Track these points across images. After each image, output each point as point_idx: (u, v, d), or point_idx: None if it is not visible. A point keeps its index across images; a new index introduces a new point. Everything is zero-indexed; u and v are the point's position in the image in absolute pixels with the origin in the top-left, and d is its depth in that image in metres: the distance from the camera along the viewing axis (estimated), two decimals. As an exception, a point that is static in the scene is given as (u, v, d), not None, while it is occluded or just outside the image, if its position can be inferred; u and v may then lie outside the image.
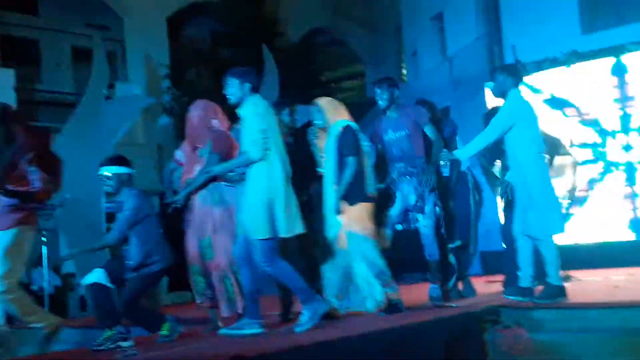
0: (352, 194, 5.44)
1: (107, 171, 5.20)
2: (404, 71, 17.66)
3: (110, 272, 5.05)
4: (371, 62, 18.90)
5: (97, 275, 4.99)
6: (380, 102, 5.99)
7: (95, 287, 4.96)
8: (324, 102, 5.71)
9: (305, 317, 4.89)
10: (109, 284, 4.99)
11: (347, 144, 5.49)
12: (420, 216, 5.82)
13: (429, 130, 5.91)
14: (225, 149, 5.38)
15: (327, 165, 5.56)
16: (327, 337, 4.44)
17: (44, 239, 8.87)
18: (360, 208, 5.46)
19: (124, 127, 11.68)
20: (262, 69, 12.75)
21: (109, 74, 12.35)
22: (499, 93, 5.69)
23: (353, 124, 5.63)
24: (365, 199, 5.52)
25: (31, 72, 15.31)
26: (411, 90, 12.29)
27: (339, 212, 5.43)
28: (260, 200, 4.86)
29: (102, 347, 4.85)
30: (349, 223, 5.43)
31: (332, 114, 5.63)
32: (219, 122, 5.56)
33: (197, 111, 5.60)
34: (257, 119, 4.93)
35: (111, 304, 4.98)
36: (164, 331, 5.04)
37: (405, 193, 5.86)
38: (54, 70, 15.75)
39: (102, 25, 15.23)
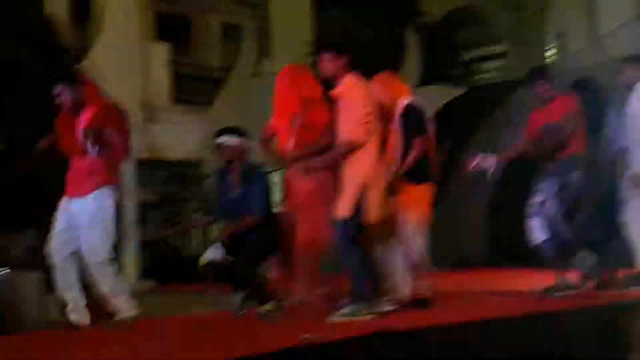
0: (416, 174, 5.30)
1: (222, 140, 5.37)
2: (549, 52, 17.15)
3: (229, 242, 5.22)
4: (514, 42, 18.45)
5: (212, 253, 5.18)
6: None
7: (210, 265, 5.16)
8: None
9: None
10: (223, 257, 5.14)
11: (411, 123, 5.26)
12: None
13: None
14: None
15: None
16: (472, 317, 4.51)
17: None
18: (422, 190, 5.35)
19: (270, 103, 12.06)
20: (403, 47, 12.79)
21: (256, 50, 12.77)
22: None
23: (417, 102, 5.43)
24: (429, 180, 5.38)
25: (183, 48, 16.02)
26: (559, 72, 11.97)
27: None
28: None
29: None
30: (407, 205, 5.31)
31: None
32: (308, 89, 5.45)
33: (285, 77, 5.55)
34: (362, 105, 4.88)
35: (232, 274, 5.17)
36: (268, 307, 5.22)
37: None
38: (204, 45, 16.38)
39: (250, 2, 15.68)
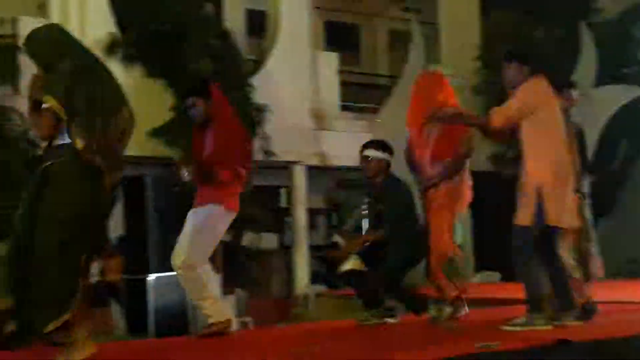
0: None
1: (368, 153, 5.35)
2: None
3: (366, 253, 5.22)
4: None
5: (350, 263, 5.18)
6: None
7: (349, 273, 5.16)
8: None
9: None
10: (362, 268, 5.13)
11: None
12: None
13: None
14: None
15: None
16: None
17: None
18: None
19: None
20: (577, 46, 12.30)
21: (424, 56, 12.76)
22: None
23: None
24: None
25: (352, 55, 16.31)
26: None
27: None
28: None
29: (366, 322, 5.15)
30: None
31: None
32: (443, 98, 5.37)
33: (420, 84, 5.55)
34: (522, 95, 4.77)
35: (366, 285, 5.17)
36: (433, 312, 5.20)
37: None
38: (372, 53, 16.59)
39: (417, 8, 15.70)
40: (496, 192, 5.58)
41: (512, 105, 4.78)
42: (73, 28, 10.87)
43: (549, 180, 4.69)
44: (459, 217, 5.53)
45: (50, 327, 3.80)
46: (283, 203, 14.45)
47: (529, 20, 15.37)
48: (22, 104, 9.68)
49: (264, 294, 13.71)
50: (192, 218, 5.14)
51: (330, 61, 13.73)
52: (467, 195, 5.51)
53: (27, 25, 10.74)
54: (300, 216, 12.87)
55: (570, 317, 4.81)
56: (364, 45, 16.71)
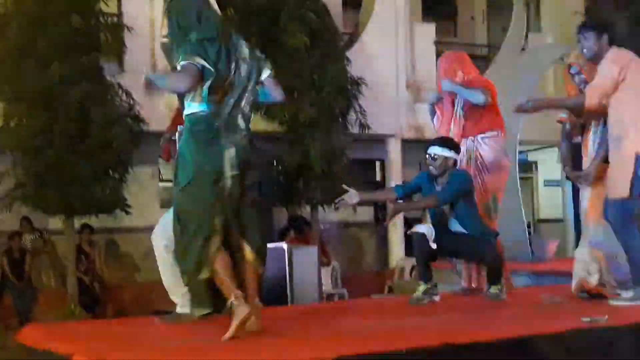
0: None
1: (434, 151, 5.17)
2: None
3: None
4: None
5: (426, 229, 5.09)
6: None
7: (422, 237, 5.06)
8: None
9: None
10: (432, 243, 5.05)
11: None
12: None
13: None
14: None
15: None
16: None
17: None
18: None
19: (535, 78, 11.71)
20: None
21: (525, 25, 12.45)
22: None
23: None
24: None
25: (449, 25, 16.04)
26: None
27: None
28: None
29: (424, 302, 5.03)
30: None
31: None
32: (463, 73, 5.53)
33: (443, 63, 5.65)
34: (610, 66, 4.62)
35: (429, 257, 5.11)
36: (496, 289, 5.15)
37: None
38: (469, 23, 16.26)
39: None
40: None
41: (605, 78, 4.63)
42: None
43: None
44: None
45: (187, 280, 3.94)
46: (379, 176, 14.45)
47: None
48: (128, 81, 10.15)
49: (359, 266, 13.83)
50: None
51: (427, 32, 13.57)
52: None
53: (131, 3, 11.16)
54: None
55: None
56: (461, 15, 16.39)
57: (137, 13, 10.97)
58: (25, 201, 9.47)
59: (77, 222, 10.39)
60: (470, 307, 5.00)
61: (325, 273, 11.01)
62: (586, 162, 5.04)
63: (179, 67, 3.87)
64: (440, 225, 5.19)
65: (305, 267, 9.76)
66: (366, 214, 13.99)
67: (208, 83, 3.86)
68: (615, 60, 4.65)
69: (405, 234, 5.28)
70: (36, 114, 9.25)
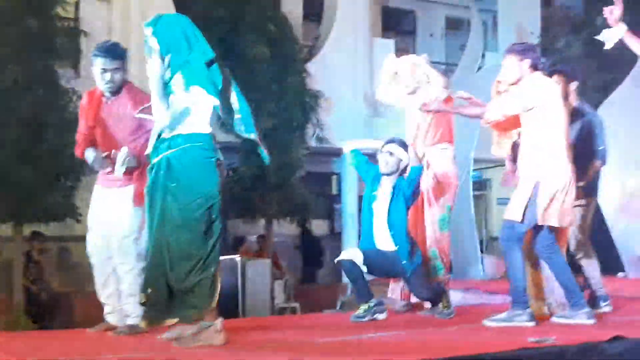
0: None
1: (393, 149, 5.20)
2: None
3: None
4: None
5: (353, 253, 5.10)
6: None
7: (350, 264, 5.07)
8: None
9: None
10: (362, 266, 5.06)
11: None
12: None
13: None
14: None
15: None
16: None
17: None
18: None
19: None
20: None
21: (482, 44, 12.62)
22: None
23: None
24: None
25: (408, 41, 16.18)
26: None
27: None
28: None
29: (365, 320, 5.01)
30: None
31: None
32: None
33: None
34: (523, 91, 4.62)
35: (363, 279, 5.11)
36: (445, 305, 5.16)
37: None
38: (428, 40, 16.43)
39: (477, -5, 15.48)
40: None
41: (513, 100, 4.68)
42: (134, 12, 11.09)
43: (546, 177, 4.55)
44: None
45: (198, 315, 3.82)
46: (334, 189, 14.47)
47: (591, 7, 15.08)
48: (83, 86, 9.97)
49: (312, 279, 13.80)
50: None
51: (386, 48, 13.64)
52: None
53: (89, 8, 11.03)
54: (351, 203, 12.87)
55: (583, 316, 4.70)
56: (420, 31, 16.56)
57: (94, 18, 10.85)
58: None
59: (28, 229, 10.18)
60: (415, 324, 4.97)
61: (278, 286, 10.98)
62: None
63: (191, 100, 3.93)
64: (369, 243, 5.20)
65: (258, 279, 9.77)
66: (322, 227, 14.01)
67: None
68: (531, 87, 4.69)
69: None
70: (-12, 117, 9.07)
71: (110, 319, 4.55)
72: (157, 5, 10.90)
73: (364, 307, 5.08)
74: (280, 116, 11.04)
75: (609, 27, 4.55)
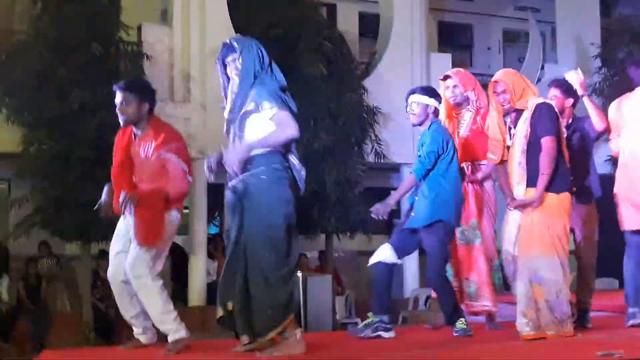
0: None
1: (413, 99, 5.01)
2: None
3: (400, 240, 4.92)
4: None
5: (386, 253, 4.91)
6: None
7: (383, 268, 4.92)
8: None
9: None
10: (394, 260, 4.88)
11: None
12: None
13: None
14: None
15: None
16: None
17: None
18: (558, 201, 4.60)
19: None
20: None
21: (541, 56, 12.49)
22: None
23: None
24: (569, 190, 4.68)
25: (464, 55, 16.12)
26: None
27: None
28: None
29: (362, 334, 4.83)
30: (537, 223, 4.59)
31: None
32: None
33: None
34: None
35: (386, 289, 4.92)
36: (462, 324, 4.85)
37: None
38: (485, 53, 16.35)
39: (533, 7, 15.35)
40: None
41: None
42: (194, 35, 11.33)
43: None
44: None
45: (273, 333, 3.93)
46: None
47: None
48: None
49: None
50: None
51: (443, 62, 13.62)
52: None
53: (151, 32, 11.31)
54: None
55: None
56: (477, 45, 16.49)
57: (157, 42, 11.12)
58: (44, 226, 9.54)
59: (95, 248, 10.44)
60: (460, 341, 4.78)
61: (340, 302, 10.99)
62: (514, 182, 4.77)
63: (277, 115, 4.09)
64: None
65: (320, 295, 9.78)
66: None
67: None
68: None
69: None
70: (55, 139, 9.35)
71: (142, 338, 4.65)
72: (216, 28, 11.14)
73: (367, 320, 4.93)
74: (338, 133, 11.10)
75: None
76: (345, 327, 10.69)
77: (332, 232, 11.65)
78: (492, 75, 5.06)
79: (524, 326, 4.55)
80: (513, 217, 4.84)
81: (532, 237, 4.59)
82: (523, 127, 4.67)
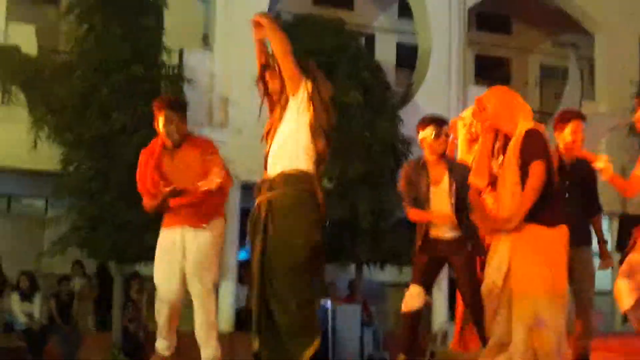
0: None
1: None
2: None
3: None
4: None
5: (419, 297, 5.07)
6: None
7: (416, 314, 5.05)
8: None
9: None
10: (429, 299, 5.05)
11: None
12: None
13: None
14: None
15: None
16: None
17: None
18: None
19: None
20: None
21: (580, 92, 12.41)
22: None
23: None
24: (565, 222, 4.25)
25: (502, 90, 16.08)
26: None
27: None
28: None
29: None
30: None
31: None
32: None
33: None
34: None
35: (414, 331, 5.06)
36: None
37: None
38: (522, 88, 16.28)
39: (573, 43, 15.29)
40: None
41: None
42: (234, 61, 11.44)
43: None
44: None
45: (307, 354, 3.85)
46: (425, 236, 14.31)
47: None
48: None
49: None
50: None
51: (479, 95, 13.59)
52: None
53: (193, 56, 11.43)
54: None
55: None
56: (514, 80, 16.44)
57: (197, 66, 11.23)
58: (80, 245, 9.61)
59: (128, 269, 10.49)
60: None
61: (368, 333, 10.89)
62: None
63: None
64: None
65: (348, 325, 9.71)
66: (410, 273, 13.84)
67: None
68: None
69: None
70: (95, 159, 9.46)
71: (167, 353, 4.74)
72: (253, 53, 11.21)
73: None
74: (372, 162, 11.09)
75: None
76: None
77: (363, 262, 11.59)
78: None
79: None
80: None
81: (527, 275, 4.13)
82: (512, 155, 4.26)
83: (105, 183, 9.41)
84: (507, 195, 4.26)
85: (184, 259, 4.66)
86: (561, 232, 4.23)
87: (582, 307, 5.11)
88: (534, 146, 4.22)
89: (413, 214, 5.12)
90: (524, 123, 4.31)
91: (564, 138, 5.17)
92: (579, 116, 5.29)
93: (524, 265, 4.15)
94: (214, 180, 4.56)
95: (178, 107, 4.79)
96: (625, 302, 4.54)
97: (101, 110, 9.48)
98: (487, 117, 4.43)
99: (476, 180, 4.44)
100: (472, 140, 5.22)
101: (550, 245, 4.18)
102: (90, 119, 9.48)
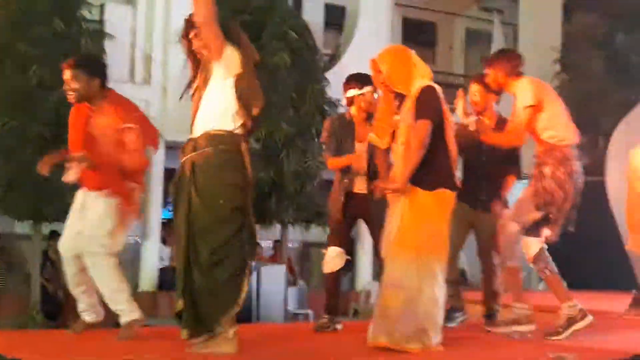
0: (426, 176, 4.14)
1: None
2: None
3: None
4: None
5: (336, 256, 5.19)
6: None
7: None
8: None
9: None
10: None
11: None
12: None
13: None
14: None
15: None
16: None
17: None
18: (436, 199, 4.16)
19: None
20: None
21: (503, 58, 12.59)
22: None
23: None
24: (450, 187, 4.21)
25: (427, 53, 16.22)
26: None
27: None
28: None
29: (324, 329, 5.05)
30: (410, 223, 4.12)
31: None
32: None
33: None
34: None
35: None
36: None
37: None
38: (447, 52, 16.46)
39: (497, 8, 15.50)
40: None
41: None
42: (158, 17, 11.18)
43: None
44: None
45: (225, 318, 3.81)
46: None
47: (613, 24, 15.00)
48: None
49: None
50: None
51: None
52: None
53: (115, 11, 11.12)
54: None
55: None
56: (440, 43, 16.60)
57: (119, 21, 10.94)
58: (-3, 204, 9.34)
59: (46, 228, 10.25)
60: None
61: (292, 292, 11.00)
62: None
63: None
64: None
65: (273, 285, 9.77)
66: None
67: None
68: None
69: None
70: (11, 116, 9.14)
71: (87, 317, 4.59)
72: (178, 11, 10.98)
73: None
74: (299, 124, 11.07)
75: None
76: (297, 318, 10.76)
77: (289, 223, 11.64)
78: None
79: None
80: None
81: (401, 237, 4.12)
82: (408, 116, 4.20)
83: (23, 140, 9.12)
84: (397, 156, 4.24)
85: (82, 220, 4.56)
86: (441, 197, 4.14)
87: (486, 271, 5.26)
88: (422, 104, 4.15)
89: (332, 162, 5.13)
90: (419, 81, 4.25)
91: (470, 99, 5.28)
92: (475, 79, 5.34)
93: (401, 228, 4.12)
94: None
95: (85, 64, 4.62)
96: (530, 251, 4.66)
97: (19, 65, 9.15)
98: (382, 79, 4.37)
99: (375, 140, 4.44)
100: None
101: (424, 209, 4.11)
102: (7, 74, 9.14)
